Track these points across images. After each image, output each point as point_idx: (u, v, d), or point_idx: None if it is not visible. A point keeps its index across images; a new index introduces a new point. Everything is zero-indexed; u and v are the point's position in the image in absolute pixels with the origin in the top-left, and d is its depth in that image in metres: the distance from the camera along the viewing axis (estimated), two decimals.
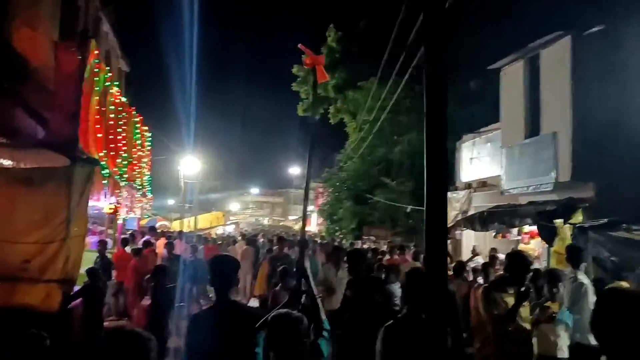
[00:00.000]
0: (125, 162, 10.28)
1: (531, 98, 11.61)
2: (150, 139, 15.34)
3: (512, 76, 12.25)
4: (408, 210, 16.09)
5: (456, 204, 13.63)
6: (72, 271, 7.08)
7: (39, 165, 7.61)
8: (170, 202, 43.57)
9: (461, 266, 8.31)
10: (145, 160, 14.50)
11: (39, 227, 6.82)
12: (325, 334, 3.27)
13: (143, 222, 37.12)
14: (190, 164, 31.10)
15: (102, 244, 8.94)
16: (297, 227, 48.08)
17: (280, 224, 58.44)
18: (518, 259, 4.37)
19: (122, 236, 11.82)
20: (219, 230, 32.69)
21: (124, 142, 10.12)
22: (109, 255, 10.40)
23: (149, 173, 15.41)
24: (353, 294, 5.00)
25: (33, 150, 7.37)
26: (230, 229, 34.43)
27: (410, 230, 16.83)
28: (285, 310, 2.62)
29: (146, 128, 14.79)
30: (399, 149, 17.47)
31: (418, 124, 17.70)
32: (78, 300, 7.40)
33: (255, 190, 76.12)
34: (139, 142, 12.45)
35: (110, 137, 9.10)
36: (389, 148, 18.59)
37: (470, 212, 12.79)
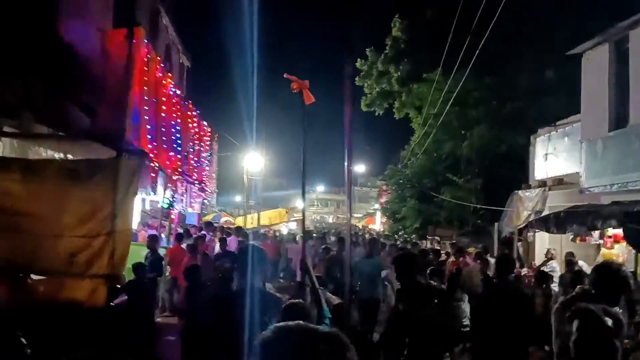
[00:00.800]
0: (180, 156, 10.13)
1: (617, 86, 10.41)
2: (210, 134, 15.29)
3: (595, 62, 11.05)
4: (478, 208, 15.10)
5: (529, 203, 12.54)
6: (117, 266, 6.89)
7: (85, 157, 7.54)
8: (237, 198, 44.19)
9: (544, 276, 7.39)
10: (205, 155, 14.44)
11: (85, 220, 6.66)
12: (326, 321, 3.66)
13: (208, 218, 38.00)
14: (253, 161, 31.24)
15: (152, 239, 8.76)
16: (360, 225, 47.60)
17: (345, 221, 58.10)
18: (611, 275, 3.35)
19: (178, 231, 11.72)
20: (283, 228, 32.68)
21: (178, 135, 9.95)
22: (162, 251, 10.31)
23: (208, 169, 15.38)
24: (404, 308, 4.30)
25: (80, 143, 7.27)
26: (293, 226, 34.32)
27: (478, 230, 15.81)
28: (297, 300, 3.12)
29: (206, 123, 14.74)
30: (468, 144, 16.42)
31: (487, 117, 16.66)
32: (123, 297, 7.22)
33: (320, 188, 76.30)
34: (196, 136, 12.33)
35: (162, 129, 8.94)
36: (455, 143, 17.58)
37: (545, 213, 11.69)
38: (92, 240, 6.82)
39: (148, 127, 7.88)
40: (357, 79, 22.35)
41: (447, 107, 16.94)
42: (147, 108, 7.86)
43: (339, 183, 77.87)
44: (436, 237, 17.09)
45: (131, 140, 7.23)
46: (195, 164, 12.54)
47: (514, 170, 14.68)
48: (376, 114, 23.01)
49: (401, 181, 20.43)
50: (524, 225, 12.36)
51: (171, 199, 10.65)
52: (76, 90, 7.04)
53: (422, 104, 21.39)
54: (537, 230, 10.98)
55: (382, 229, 42.08)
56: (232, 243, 12.06)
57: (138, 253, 9.16)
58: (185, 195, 12.19)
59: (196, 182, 12.86)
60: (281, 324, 1.43)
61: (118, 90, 7.07)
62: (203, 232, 12.89)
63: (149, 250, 8.67)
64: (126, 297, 7.35)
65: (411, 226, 18.14)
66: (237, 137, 33.20)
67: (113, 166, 6.96)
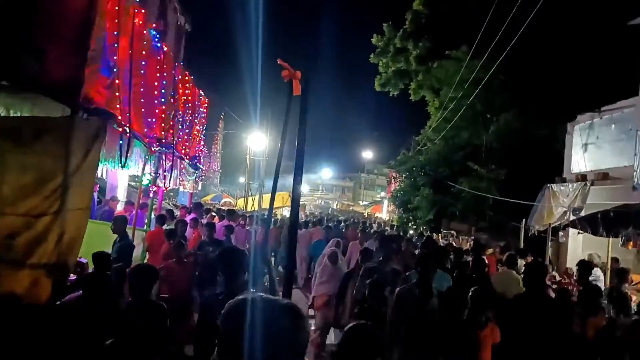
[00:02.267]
0: (164, 124, 8.59)
1: None
2: (207, 105, 13.72)
3: None
4: (499, 202, 13.51)
5: (564, 199, 10.96)
6: (66, 254, 5.45)
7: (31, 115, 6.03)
8: (241, 179, 42.77)
9: (596, 293, 5.85)
10: (199, 128, 12.90)
11: (27, 194, 5.18)
12: None
13: (208, 198, 36.63)
14: (257, 140, 29.68)
15: (118, 221, 7.21)
16: (366, 212, 46.11)
17: (350, 208, 56.64)
18: None
19: (161, 212, 10.24)
20: (285, 212, 31.22)
21: (163, 100, 8.40)
22: (141, 235, 8.85)
23: (205, 144, 13.84)
24: None
25: (25, 95, 5.75)
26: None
27: (498, 226, 14.23)
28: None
29: (202, 93, 13.17)
30: (494, 130, 14.76)
31: (515, 101, 15.00)
32: (76, 294, 5.72)
33: (325, 173, 74.75)
34: (188, 105, 10.77)
35: (140, 89, 7.39)
36: (476, 130, 15.97)
37: (585, 211, 10.15)
38: (35, 220, 5.37)
39: (118, 82, 6.31)
40: (371, 56, 20.69)
41: (467, 89, 15.39)
42: (123, 60, 6.30)
43: (345, 169, 76.61)
44: (451, 231, 15.56)
45: (92, 96, 5.68)
46: (186, 136, 11.01)
47: (545, 162, 13.05)
48: (390, 94, 21.37)
49: (414, 168, 18.83)
50: (557, 223, 10.82)
51: (154, 175, 9.16)
52: (20, 26, 5.48)
53: (440, 85, 19.75)
54: (580, 231, 9.40)
55: (388, 218, 40.66)
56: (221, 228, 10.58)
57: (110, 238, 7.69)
58: (174, 172, 10.66)
59: (187, 157, 11.32)
60: (242, 296, 1.51)
61: (75, 28, 5.52)
62: (192, 215, 11.39)
63: (117, 235, 7.14)
64: (81, 293, 5.84)
65: (424, 217, 16.55)
66: (243, 116, 31.69)
67: (65, 127, 5.46)
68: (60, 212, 5.30)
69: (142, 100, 7.64)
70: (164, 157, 9.35)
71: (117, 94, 6.12)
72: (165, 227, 9.06)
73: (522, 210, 12.53)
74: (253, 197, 28.90)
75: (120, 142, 6.40)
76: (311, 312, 7.92)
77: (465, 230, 15.29)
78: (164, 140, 8.72)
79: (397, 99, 22.65)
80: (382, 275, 6.17)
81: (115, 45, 6.13)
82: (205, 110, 13.68)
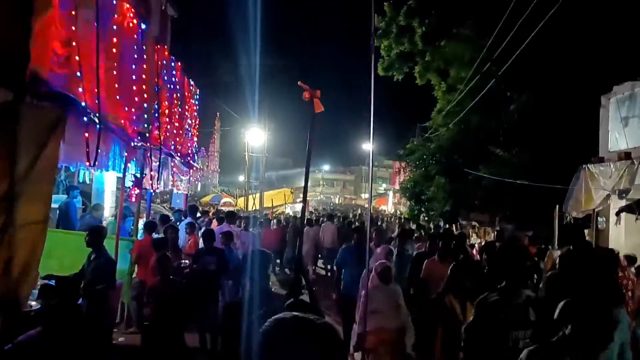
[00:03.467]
0: (146, 116, 7.31)
1: None
2: (197, 96, 12.42)
3: None
4: (523, 189, 12.24)
5: (606, 180, 9.67)
6: (17, 284, 4.24)
7: None
8: (241, 178, 41.51)
9: None
10: (191, 122, 11.61)
11: None
12: None
13: (206, 199, 35.36)
14: (255, 136, 28.39)
15: (93, 233, 5.91)
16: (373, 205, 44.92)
17: (352, 202, 55.40)
18: None
19: (151, 219, 8.97)
20: (288, 209, 29.98)
21: (144, 86, 7.12)
22: (128, 245, 7.58)
23: (196, 139, 12.55)
24: None
25: None
26: (299, 207, 31.60)
27: (523, 215, 12.95)
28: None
29: (193, 83, 11.88)
30: (513, 110, 13.44)
31: (534, 78, 13.70)
32: (34, 331, 4.49)
33: (326, 167, 73.46)
34: (175, 95, 9.50)
35: (114, 72, 6.12)
36: (494, 111, 14.67)
37: (634, 193, 8.90)
38: None
39: (79, 59, 5.02)
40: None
41: (478, 68, 14.12)
42: (74, 29, 5.00)
43: (345, 162, 75.35)
44: (471, 222, 14.32)
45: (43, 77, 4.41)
46: (175, 131, 9.74)
47: (576, 141, 11.76)
48: (395, 79, 20.06)
49: (424, 157, 17.55)
50: (599, 208, 9.58)
51: (140, 175, 7.90)
52: None
53: (448, 67, 18.47)
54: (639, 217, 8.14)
55: (393, 211, 39.52)
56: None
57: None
58: (163, 172, 9.42)
59: (178, 154, 10.04)
60: (278, 315, 1.52)
61: None
62: (188, 219, 10.12)
63: (92, 249, 5.86)
64: (40, 329, 4.60)
65: (440, 209, 15.25)
66: (240, 112, 30.41)
67: (8, 116, 4.23)
68: (6, 228, 4.05)
69: (118, 85, 6.37)
70: (149, 154, 8.10)
71: (78, 74, 4.83)
72: (155, 235, 7.80)
73: (551, 196, 11.27)
74: (254, 196, 27.67)
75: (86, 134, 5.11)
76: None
77: (486, 221, 14.04)
78: (147, 135, 7.45)
79: (397, 88, 21.42)
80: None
81: (73, 13, 4.84)
82: (197, 103, 12.40)
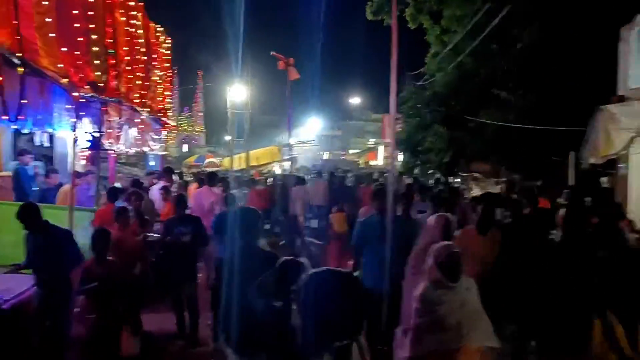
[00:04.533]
0: (98, 62, 6.05)
1: None
2: (169, 45, 11.04)
3: None
4: (530, 134, 11.20)
5: (629, 120, 8.63)
6: None
7: None
8: (228, 137, 40.06)
9: None
10: (161, 74, 10.29)
11: None
12: None
13: (190, 160, 34.03)
14: (238, 92, 26.87)
15: (21, 212, 4.61)
16: (362, 161, 43.90)
17: (341, 157, 54.24)
18: None
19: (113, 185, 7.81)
20: (276, 167, 28.83)
21: (90, 25, 5.83)
22: (89, 215, 6.46)
23: (169, 93, 11.25)
24: None
25: None
26: (287, 165, 30.50)
27: (531, 163, 11.95)
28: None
29: (161, 29, 10.49)
30: (517, 50, 12.19)
31: (540, 12, 12.39)
32: None
33: (313, 123, 71.82)
34: (136, 40, 8.17)
35: (43, 2, 4.84)
36: (494, 52, 13.42)
37: None
38: None
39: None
40: None
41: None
42: None
43: (332, 117, 73.70)
44: (473, 174, 13.34)
45: None
46: (140, 82, 8.46)
47: (589, 80, 10.63)
48: (384, 24, 18.56)
49: (419, 105, 16.37)
50: (623, 152, 8.57)
51: (98, 134, 6.69)
52: None
53: (442, 5, 17.05)
54: None
55: (384, 165, 38.49)
56: (203, 197, 8.20)
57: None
58: (130, 130, 8.23)
59: (144, 109, 8.80)
60: (314, 270, 1.65)
61: None
62: (161, 182, 8.96)
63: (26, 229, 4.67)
64: None
65: (438, 160, 14.17)
66: (222, 68, 28.78)
67: None
68: None
69: (53, 21, 5.10)
70: (107, 110, 6.88)
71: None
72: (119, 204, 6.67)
73: (562, 141, 10.25)
74: (239, 155, 26.39)
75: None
76: None
77: (489, 171, 13.06)
78: (102, 86, 6.21)
79: (383, 36, 19.88)
80: None
81: None
82: (167, 52, 11.05)
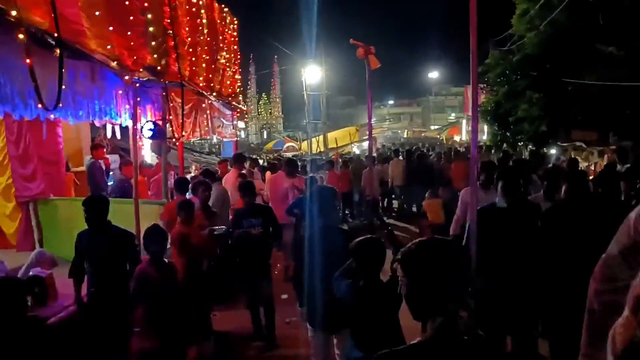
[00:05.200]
0: (154, 44, 5.60)
1: None
2: (237, 27, 10.57)
3: None
4: None
5: None
6: None
7: None
8: (305, 121, 40.03)
9: None
10: (228, 57, 9.84)
11: None
12: None
13: (269, 146, 34.07)
14: (313, 73, 26.31)
15: (89, 204, 4.23)
16: (444, 136, 42.03)
17: (422, 134, 52.48)
18: None
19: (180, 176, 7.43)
20: (354, 148, 28.11)
21: (148, 14, 5.36)
22: (157, 209, 6.11)
23: (239, 77, 10.80)
24: None
25: None
26: (366, 145, 29.66)
27: None
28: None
29: (227, 10, 10.02)
30: None
31: None
32: None
33: (390, 102, 70.12)
34: (200, 19, 7.71)
35: None
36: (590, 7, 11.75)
37: None
38: None
39: None
40: None
41: None
42: None
43: (410, 94, 71.66)
44: (575, 143, 11.85)
45: None
46: (204, 65, 8.00)
47: None
48: None
49: (507, 71, 14.90)
50: None
51: (160, 121, 6.29)
52: None
53: None
54: None
55: (467, 139, 36.51)
56: (278, 183, 7.65)
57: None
58: (199, 116, 7.85)
59: (212, 94, 8.35)
60: (418, 240, 1.62)
61: None
62: (233, 170, 8.50)
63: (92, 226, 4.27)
64: None
65: (534, 129, 12.68)
66: (296, 50, 28.33)
67: None
68: None
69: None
70: (170, 95, 6.45)
71: None
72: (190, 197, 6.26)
73: None
74: (317, 138, 25.94)
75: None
76: None
77: (594, 139, 11.54)
78: (159, 68, 5.76)
79: (455, 5, 18.30)
80: None
81: None
82: (234, 34, 10.58)
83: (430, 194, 8.21)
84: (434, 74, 64.62)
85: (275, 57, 59.01)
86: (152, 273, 3.95)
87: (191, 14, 7.30)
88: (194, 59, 7.16)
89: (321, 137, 26.13)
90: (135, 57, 5.12)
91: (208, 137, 8.73)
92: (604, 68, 10.56)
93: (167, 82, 6.08)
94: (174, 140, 6.73)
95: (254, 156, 16.31)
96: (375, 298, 2.96)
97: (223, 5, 9.57)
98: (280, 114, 68.93)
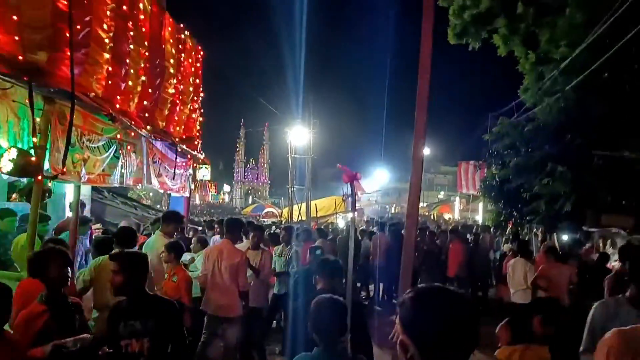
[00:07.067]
0: (33, 29, 3.43)
1: None
2: (201, 62, 8.53)
3: None
4: None
5: None
6: None
7: None
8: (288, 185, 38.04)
9: None
10: (180, 90, 7.71)
11: None
12: None
13: (247, 210, 31.77)
14: (299, 135, 24.41)
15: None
16: (434, 213, 39.98)
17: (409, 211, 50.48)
18: None
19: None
20: (339, 220, 25.81)
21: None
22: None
23: (199, 119, 8.64)
24: None
25: None
26: (351, 216, 27.37)
27: None
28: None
29: (187, 33, 8.01)
30: None
31: None
32: None
33: (379, 175, 68.85)
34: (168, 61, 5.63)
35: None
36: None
37: None
38: None
39: None
40: None
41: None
42: None
43: (400, 170, 70.60)
44: (611, 229, 9.69)
45: None
46: (142, 91, 5.82)
47: None
48: (470, 48, 15.62)
49: (517, 143, 12.96)
50: None
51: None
52: None
53: (538, 28, 13.99)
54: None
55: (459, 219, 34.58)
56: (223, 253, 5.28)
57: None
58: (152, 165, 5.67)
59: (147, 129, 6.09)
60: (423, 286, 1.61)
61: None
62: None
63: None
64: None
65: (557, 209, 10.36)
66: (284, 110, 26.71)
67: None
68: None
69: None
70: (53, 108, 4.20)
71: None
72: None
73: None
74: (299, 205, 23.63)
75: None
76: None
77: (630, 226, 9.40)
78: (20, 58, 3.54)
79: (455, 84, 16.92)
80: None
81: None
82: (197, 65, 8.54)
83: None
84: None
85: (267, 123, 58.23)
86: None
87: (120, 12, 5.19)
88: (110, 69, 4.90)
89: (303, 205, 23.87)
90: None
91: (140, 187, 6.45)
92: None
93: (47, 85, 3.83)
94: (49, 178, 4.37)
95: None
96: None
97: (182, 25, 7.56)
98: (267, 180, 68.51)
